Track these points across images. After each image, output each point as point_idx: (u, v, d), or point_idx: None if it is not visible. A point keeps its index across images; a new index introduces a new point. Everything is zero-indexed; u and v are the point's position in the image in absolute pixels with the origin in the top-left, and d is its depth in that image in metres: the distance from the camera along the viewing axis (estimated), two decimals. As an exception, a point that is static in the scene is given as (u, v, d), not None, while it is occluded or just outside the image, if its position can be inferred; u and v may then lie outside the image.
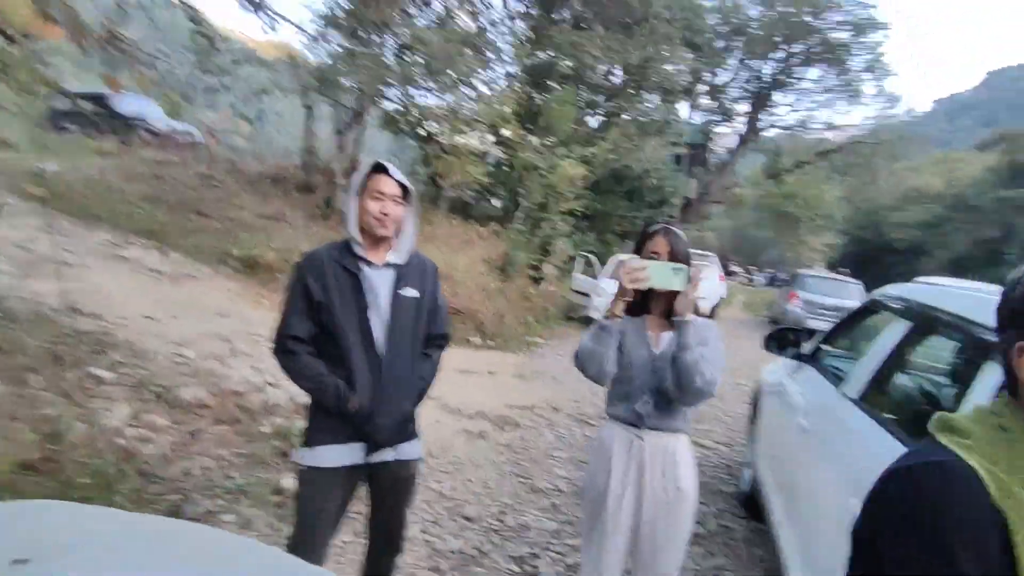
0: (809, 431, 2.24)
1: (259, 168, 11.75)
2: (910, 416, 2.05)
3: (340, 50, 9.92)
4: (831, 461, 1.94)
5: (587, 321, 10.59)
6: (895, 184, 34.39)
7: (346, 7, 9.78)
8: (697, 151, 21.02)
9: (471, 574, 2.64)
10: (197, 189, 9.33)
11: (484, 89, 14.31)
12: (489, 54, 13.09)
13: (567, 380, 6.56)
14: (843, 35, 18.80)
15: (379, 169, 1.74)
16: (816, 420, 2.23)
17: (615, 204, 15.72)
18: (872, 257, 33.02)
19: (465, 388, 5.61)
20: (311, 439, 1.71)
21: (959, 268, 26.18)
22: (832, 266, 23.29)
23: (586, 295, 10.79)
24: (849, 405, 2.05)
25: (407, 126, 13.62)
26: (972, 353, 1.73)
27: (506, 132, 12.20)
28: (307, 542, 1.69)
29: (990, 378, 1.35)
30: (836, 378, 2.57)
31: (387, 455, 1.74)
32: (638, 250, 1.71)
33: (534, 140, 12.83)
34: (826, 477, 1.94)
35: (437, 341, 1.88)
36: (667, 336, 1.70)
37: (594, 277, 11.06)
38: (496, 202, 13.81)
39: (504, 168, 13.06)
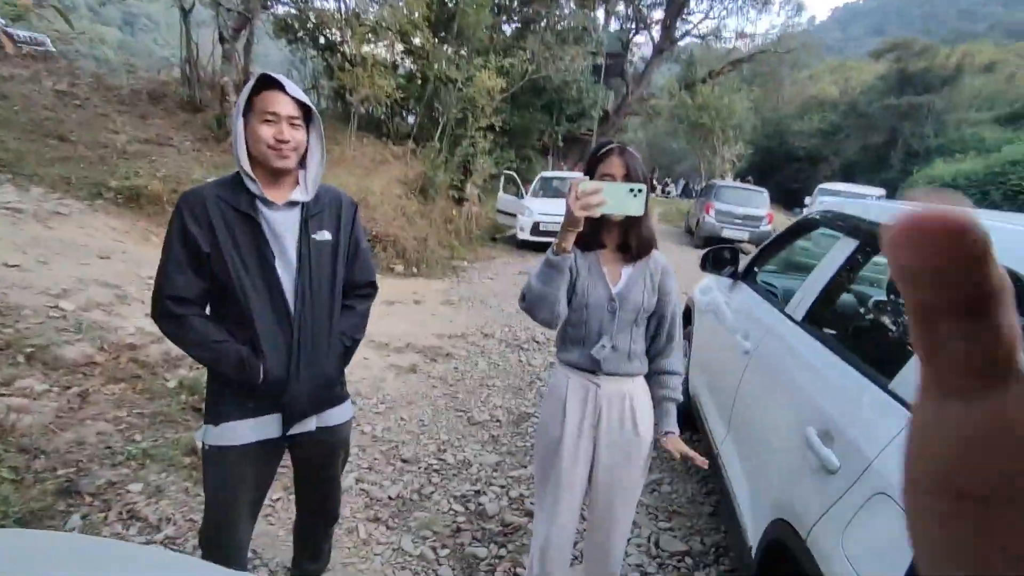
0: (752, 352, 2.22)
1: (132, 83, 10.23)
2: (859, 338, 2.05)
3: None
4: (779, 384, 1.91)
5: (514, 242, 10.45)
6: (797, 93, 35.83)
7: None
8: (615, 61, 20.58)
9: (414, 520, 2.54)
10: (56, 109, 7.99)
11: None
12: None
13: (496, 304, 6.46)
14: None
15: (269, 84, 1.38)
16: (759, 342, 2.20)
17: (534, 118, 15.27)
18: (774, 165, 34.63)
19: (391, 320, 5.38)
20: (214, 415, 1.44)
21: (850, 173, 28.11)
22: (739, 176, 24.25)
23: (512, 215, 10.58)
24: (795, 327, 2.02)
25: (305, 33, 12.26)
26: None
27: (417, 40, 11.23)
28: (222, 533, 1.46)
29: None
30: (772, 296, 2.56)
31: (309, 424, 1.50)
32: (588, 174, 1.49)
33: (448, 49, 11.95)
34: (774, 399, 1.92)
35: (361, 291, 1.60)
36: (626, 272, 1.52)
37: (518, 196, 10.81)
38: (410, 118, 12.97)
39: (417, 81, 12.16)
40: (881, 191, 14.59)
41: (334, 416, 1.56)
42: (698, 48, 23.31)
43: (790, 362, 1.89)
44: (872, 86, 33.95)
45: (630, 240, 1.51)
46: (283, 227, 1.41)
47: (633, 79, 21.64)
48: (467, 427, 3.47)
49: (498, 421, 3.57)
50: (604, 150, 1.47)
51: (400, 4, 11.10)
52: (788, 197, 25.50)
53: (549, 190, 11.04)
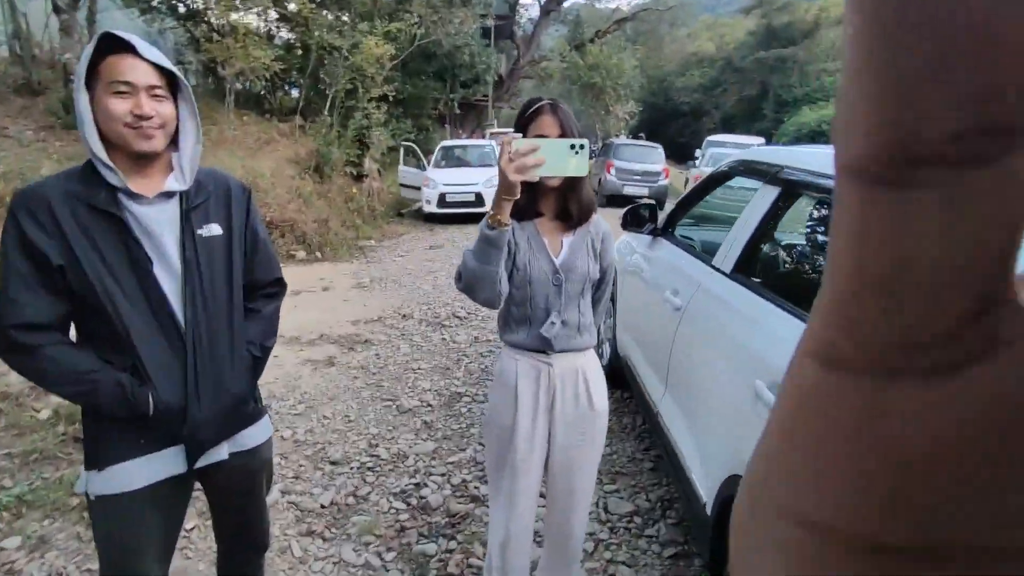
0: (683, 308, 2.21)
1: (-53, 66, 8.67)
2: (795, 285, 2.08)
3: None
4: (718, 338, 1.90)
5: (422, 216, 10.12)
6: (677, 51, 37.36)
7: None
8: (504, 23, 20.26)
9: (352, 526, 2.35)
10: None
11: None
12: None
13: (411, 283, 6.22)
14: None
15: (117, 46, 1.09)
16: (690, 297, 2.19)
17: (427, 86, 14.74)
18: (662, 121, 36.19)
19: (299, 311, 5.00)
20: (97, 458, 1.18)
21: (729, 125, 29.86)
22: (632, 133, 25.03)
23: (416, 188, 10.22)
24: (724, 279, 2.01)
25: (160, 1, 10.93)
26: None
27: (292, 6, 10.36)
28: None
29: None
30: (692, 248, 2.57)
31: (220, 452, 1.27)
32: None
33: (328, 15, 11.14)
34: (715, 354, 1.91)
35: (266, 290, 1.36)
36: (567, 241, 1.40)
37: (420, 168, 10.44)
38: (295, 92, 12.05)
39: (297, 51, 11.27)
40: (761, 139, 15.60)
41: (250, 437, 1.34)
42: (584, 8, 23.52)
43: (727, 315, 1.88)
44: (744, 41, 35.98)
45: (570, 206, 1.39)
46: (158, 224, 1.14)
47: (523, 42, 21.49)
48: (397, 416, 3.29)
49: (429, 405, 3.42)
50: (533, 108, 1.33)
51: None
52: (678, 151, 26.67)
53: (452, 159, 10.76)
